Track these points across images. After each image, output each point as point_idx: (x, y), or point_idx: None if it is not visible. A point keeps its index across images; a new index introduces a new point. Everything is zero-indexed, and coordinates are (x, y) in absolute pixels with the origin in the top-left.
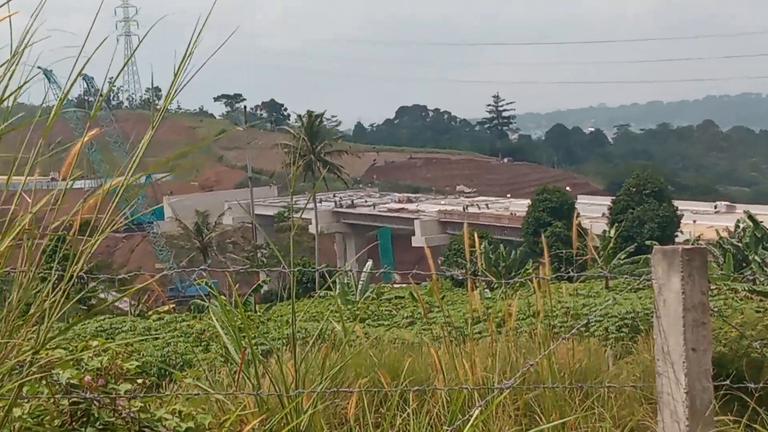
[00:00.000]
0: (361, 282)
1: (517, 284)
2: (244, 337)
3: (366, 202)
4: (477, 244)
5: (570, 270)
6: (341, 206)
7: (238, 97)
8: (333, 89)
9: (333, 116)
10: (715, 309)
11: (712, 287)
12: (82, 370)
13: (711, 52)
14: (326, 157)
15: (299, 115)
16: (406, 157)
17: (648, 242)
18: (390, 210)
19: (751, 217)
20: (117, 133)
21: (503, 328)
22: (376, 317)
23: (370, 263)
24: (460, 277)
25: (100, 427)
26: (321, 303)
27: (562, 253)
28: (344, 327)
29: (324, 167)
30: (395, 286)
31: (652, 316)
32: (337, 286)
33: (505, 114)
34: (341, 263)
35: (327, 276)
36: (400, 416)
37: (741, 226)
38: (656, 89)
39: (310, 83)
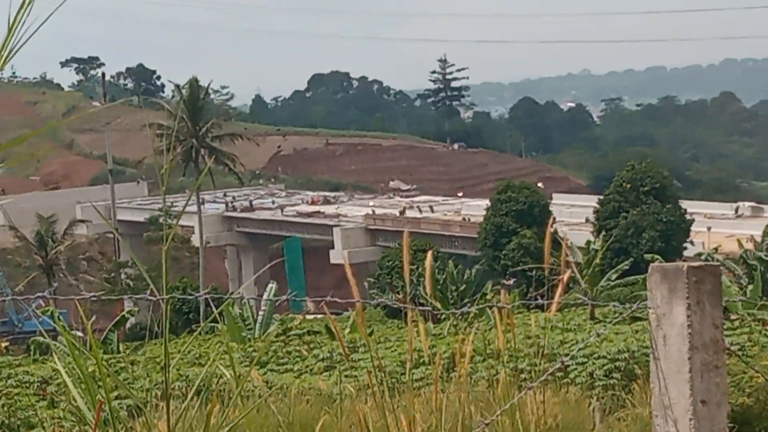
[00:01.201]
0: (261, 312)
1: (472, 314)
2: (100, 388)
3: (273, 203)
4: (428, 262)
5: (540, 295)
6: (235, 209)
7: (93, 61)
8: (222, 50)
9: (223, 87)
10: (737, 347)
11: (733, 318)
12: None
13: (731, 1)
14: (214, 143)
15: (177, 86)
16: (322, 142)
17: (647, 256)
18: (301, 214)
19: None
20: None
21: (453, 373)
22: (281, 360)
23: (273, 287)
24: (396, 306)
25: None
26: (207, 341)
27: (532, 272)
28: (237, 373)
29: (211, 156)
30: (308, 317)
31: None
32: (229, 319)
33: (455, 84)
34: (234, 286)
35: (214, 304)
36: None
37: None
38: (658, 51)
39: (191, 42)
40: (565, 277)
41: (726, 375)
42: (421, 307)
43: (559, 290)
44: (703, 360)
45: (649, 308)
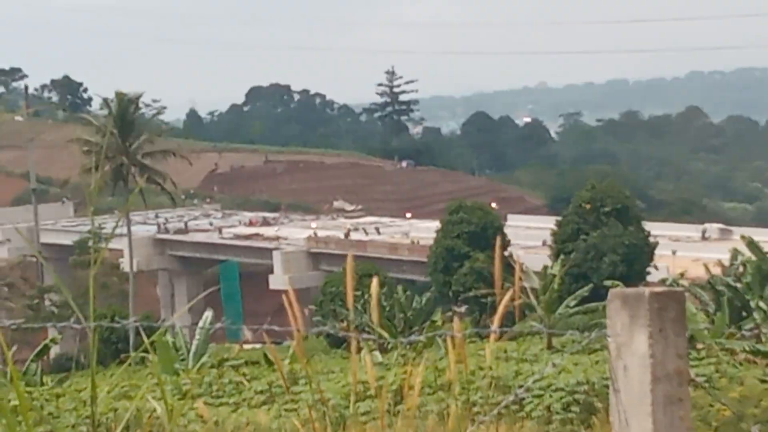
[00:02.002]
0: (195, 341)
1: (422, 344)
2: (22, 423)
3: (212, 224)
4: (374, 288)
5: (490, 323)
6: (167, 231)
7: (15, 73)
8: (154, 61)
9: (155, 100)
10: (703, 379)
11: (699, 347)
12: None
13: (697, 10)
14: (145, 161)
15: (105, 99)
16: (261, 159)
17: (608, 282)
18: (238, 236)
19: (753, 244)
20: None
21: (401, 406)
22: (217, 393)
23: (208, 314)
24: (340, 335)
25: None
26: (137, 372)
27: (485, 298)
28: (168, 407)
29: (142, 175)
30: (246, 347)
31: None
32: (160, 348)
33: (403, 98)
34: (166, 314)
35: (145, 333)
36: None
37: (740, 258)
38: (619, 63)
39: (119, 52)
40: (511, 302)
41: (690, 408)
42: (365, 336)
43: (505, 314)
44: (666, 392)
45: (609, 337)
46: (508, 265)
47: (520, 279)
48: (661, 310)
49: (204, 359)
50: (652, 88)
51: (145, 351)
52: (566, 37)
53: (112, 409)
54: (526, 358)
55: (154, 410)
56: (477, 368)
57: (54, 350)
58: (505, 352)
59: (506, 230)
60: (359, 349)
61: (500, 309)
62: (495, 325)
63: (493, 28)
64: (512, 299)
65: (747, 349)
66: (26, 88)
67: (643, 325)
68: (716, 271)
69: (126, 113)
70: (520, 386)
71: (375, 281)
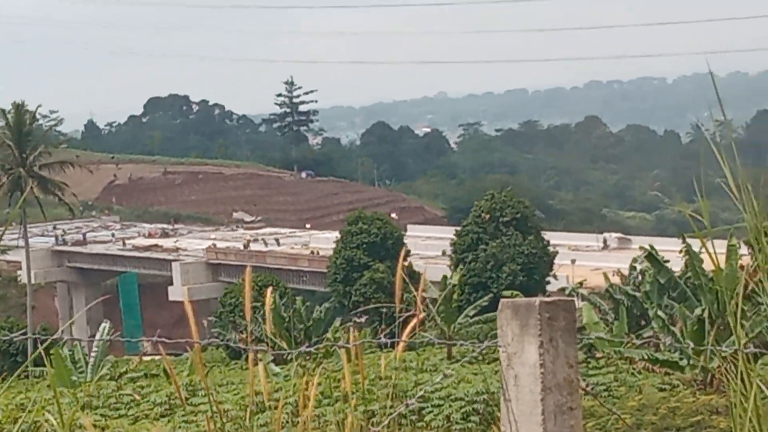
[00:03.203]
0: (93, 353)
1: (320, 355)
2: None
3: (113, 235)
4: (268, 300)
5: (388, 333)
6: (65, 243)
7: None
8: (50, 70)
9: (52, 111)
10: (602, 387)
11: (599, 356)
12: None
13: (595, 20)
14: (42, 172)
15: (2, 110)
16: (160, 170)
17: (507, 292)
18: (137, 248)
19: (651, 254)
20: None
21: (300, 417)
22: (115, 405)
23: (106, 326)
24: (234, 346)
25: None
26: (35, 385)
27: (385, 308)
28: (64, 420)
29: (39, 186)
30: (145, 358)
31: None
32: (58, 361)
33: (302, 108)
34: (65, 325)
35: (42, 346)
36: None
37: (638, 267)
38: (519, 72)
39: (14, 60)
40: (418, 315)
41: (581, 417)
42: (257, 348)
43: (408, 329)
44: (556, 401)
45: (500, 347)
46: (409, 276)
47: (423, 290)
48: (551, 319)
49: (103, 371)
50: (552, 97)
51: (42, 363)
52: (466, 47)
53: (10, 422)
54: (426, 368)
55: (49, 422)
56: (376, 378)
57: None
58: (404, 362)
59: (406, 240)
60: (258, 361)
61: (413, 322)
62: (404, 337)
63: (393, 38)
64: (415, 310)
65: (646, 357)
66: None
67: (534, 335)
68: (615, 280)
69: (23, 124)
70: (411, 396)
71: (269, 293)
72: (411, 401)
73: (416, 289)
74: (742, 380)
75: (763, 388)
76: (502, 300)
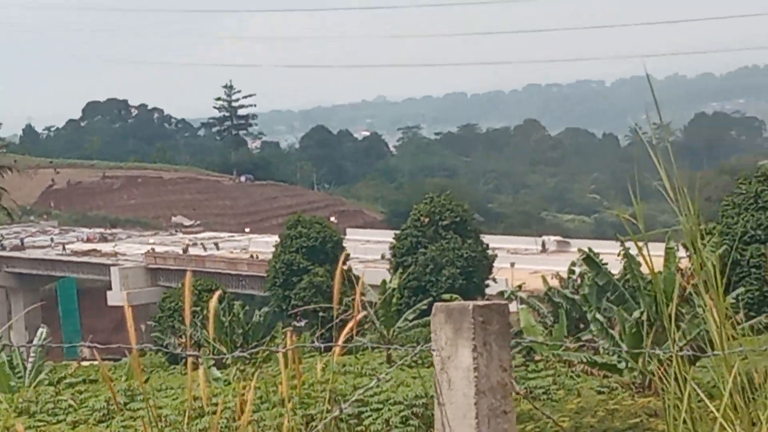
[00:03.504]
0: (31, 359)
1: (260, 359)
2: None
3: (53, 240)
4: (212, 306)
5: (323, 337)
6: (3, 248)
7: None
8: None
9: None
10: (541, 391)
11: (537, 359)
12: None
13: (534, 23)
14: None
15: None
16: (99, 175)
17: (447, 295)
18: (76, 252)
19: (589, 257)
20: None
21: (237, 422)
22: (53, 410)
23: (43, 331)
24: (174, 352)
25: None
26: None
27: (325, 312)
28: (4, 426)
29: None
30: (84, 363)
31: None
32: None
33: (241, 112)
34: (3, 332)
35: None
36: None
37: (577, 270)
38: (458, 76)
39: None
40: (355, 319)
41: (515, 420)
42: (192, 353)
43: (344, 333)
44: (490, 405)
45: (434, 350)
46: (348, 280)
47: (362, 294)
48: (484, 323)
49: (41, 377)
50: (491, 101)
51: None
52: (405, 51)
53: None
54: (365, 372)
55: None
56: (316, 383)
57: None
58: (344, 366)
59: (345, 244)
60: (196, 366)
61: (349, 326)
62: (340, 340)
63: (332, 42)
64: (353, 314)
65: (584, 360)
66: None
67: (467, 339)
68: (554, 283)
69: None
70: (345, 401)
71: (214, 299)
72: (345, 405)
73: (357, 294)
74: (677, 383)
75: (698, 390)
76: (435, 304)
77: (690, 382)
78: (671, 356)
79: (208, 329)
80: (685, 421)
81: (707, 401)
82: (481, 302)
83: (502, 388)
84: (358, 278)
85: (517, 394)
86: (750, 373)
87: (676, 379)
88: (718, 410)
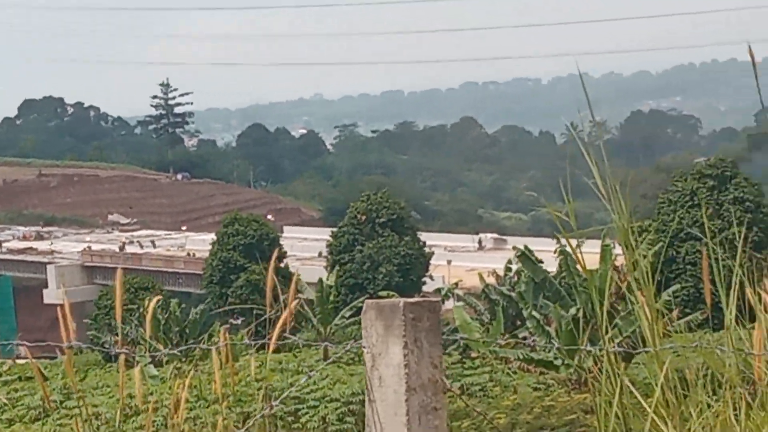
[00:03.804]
0: None
1: (197, 357)
2: None
3: None
4: (151, 304)
5: (256, 335)
6: None
7: None
8: None
9: None
10: (477, 387)
11: (474, 356)
12: None
13: (470, 22)
14: None
15: None
16: (35, 173)
17: (383, 293)
18: (11, 251)
19: (525, 254)
20: None
21: (174, 420)
22: None
23: None
24: (107, 350)
25: None
26: None
27: (262, 310)
28: None
29: None
30: (19, 361)
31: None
32: None
33: (178, 110)
34: None
35: None
36: None
37: (513, 267)
38: (394, 74)
39: None
40: (288, 316)
41: (446, 417)
42: (121, 350)
43: (276, 330)
44: (421, 402)
45: (365, 347)
46: (285, 277)
47: (296, 291)
48: (415, 320)
49: None
50: (427, 98)
51: None
52: (341, 49)
53: None
54: (302, 369)
55: None
56: (253, 380)
57: None
58: (280, 363)
59: (282, 242)
60: (131, 364)
61: (280, 322)
62: (274, 337)
63: (268, 40)
64: (288, 312)
65: (521, 357)
66: None
67: (398, 336)
68: (491, 280)
69: None
70: (288, 398)
71: (154, 301)
72: (275, 402)
73: (291, 291)
74: (609, 379)
75: (630, 387)
76: (366, 301)
77: (622, 378)
78: (609, 353)
79: (145, 327)
80: (618, 417)
81: (639, 397)
82: (412, 299)
83: (433, 384)
84: (293, 276)
85: (449, 390)
86: (682, 370)
87: (608, 376)
88: (650, 407)
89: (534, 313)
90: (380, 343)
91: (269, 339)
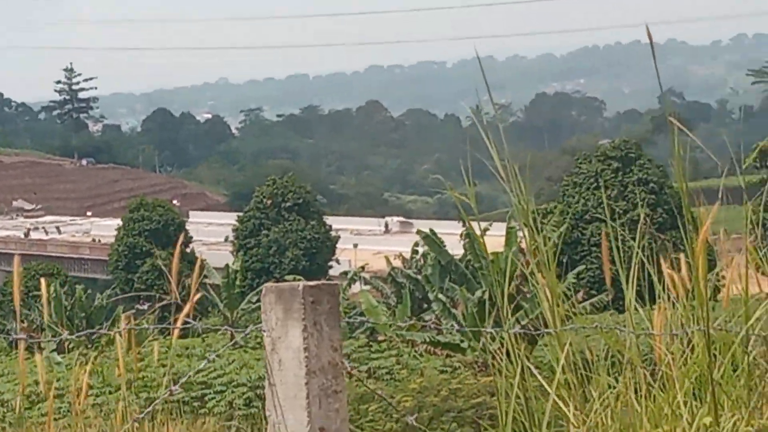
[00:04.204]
0: None
1: (102, 343)
2: None
3: None
4: (44, 289)
5: (174, 321)
6: None
7: None
8: None
9: None
10: (384, 371)
11: (380, 339)
12: None
13: (374, 5)
14: None
15: None
16: None
17: (290, 277)
18: None
19: (430, 237)
20: None
21: (78, 406)
22: None
23: None
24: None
25: None
26: None
27: (167, 295)
28: None
29: None
30: None
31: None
32: None
33: (82, 95)
34: None
35: None
36: None
37: (420, 251)
38: (300, 58)
39: None
40: (191, 301)
41: (346, 400)
42: (19, 336)
43: (181, 315)
44: (321, 385)
45: (264, 331)
46: (191, 263)
47: (200, 276)
48: (315, 303)
49: None
50: (333, 82)
51: None
52: (246, 33)
53: None
54: (209, 354)
55: None
56: (159, 366)
57: None
58: (187, 349)
59: (188, 227)
60: (36, 350)
61: (188, 306)
62: (179, 322)
63: (173, 24)
64: (192, 297)
65: (427, 340)
66: None
67: (298, 319)
68: (397, 263)
69: None
70: (194, 383)
71: (43, 283)
72: (175, 387)
73: (197, 276)
74: (512, 361)
75: (531, 368)
76: (265, 285)
77: (523, 360)
78: (510, 335)
79: (51, 313)
80: (519, 399)
81: (540, 379)
82: (311, 282)
83: (333, 367)
84: (199, 261)
85: (349, 373)
86: (585, 352)
87: (511, 358)
88: (552, 388)
89: (440, 296)
90: (280, 327)
91: (171, 324)
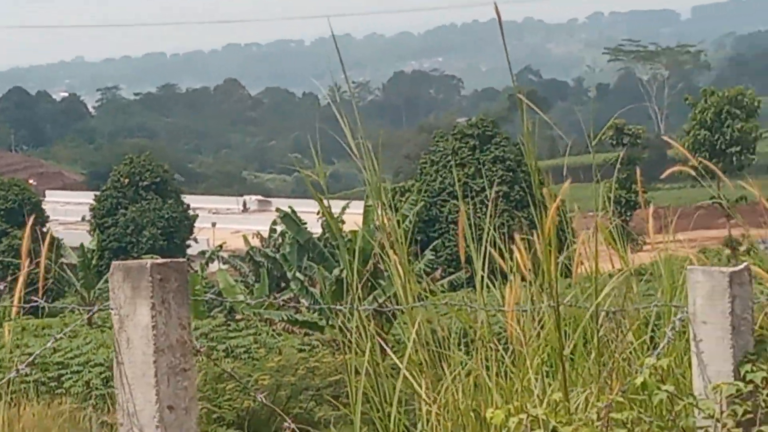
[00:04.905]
0: None
1: None
2: None
3: None
4: None
5: (34, 300)
6: None
7: None
8: None
9: None
10: (242, 350)
11: (238, 318)
12: None
13: None
14: None
15: None
16: None
17: (147, 256)
18: None
19: (288, 216)
20: None
21: None
22: None
23: None
24: None
25: None
26: None
27: (28, 275)
28: None
29: None
30: None
31: None
32: None
33: None
34: None
35: None
36: None
37: (278, 229)
38: (157, 36)
39: None
40: (41, 280)
41: (195, 378)
42: None
43: (18, 291)
44: (169, 363)
45: (112, 309)
46: (48, 242)
47: (51, 254)
48: (163, 281)
49: None
50: (190, 60)
51: None
52: (102, 10)
53: None
54: (67, 334)
55: None
56: (13, 346)
57: None
58: (44, 329)
59: (45, 206)
60: None
61: (20, 284)
62: (15, 301)
63: (26, 3)
64: (41, 276)
65: (285, 318)
66: None
67: (146, 297)
68: (255, 242)
69: None
70: (52, 364)
71: None
72: (22, 366)
73: (46, 254)
74: (363, 339)
75: (384, 344)
76: (113, 263)
77: (373, 337)
78: (368, 313)
79: None
80: (371, 376)
81: (393, 356)
82: (159, 260)
83: (181, 345)
84: (54, 240)
85: (199, 351)
86: (437, 329)
87: (361, 335)
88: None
89: (298, 274)
90: (128, 305)
91: (12, 302)
